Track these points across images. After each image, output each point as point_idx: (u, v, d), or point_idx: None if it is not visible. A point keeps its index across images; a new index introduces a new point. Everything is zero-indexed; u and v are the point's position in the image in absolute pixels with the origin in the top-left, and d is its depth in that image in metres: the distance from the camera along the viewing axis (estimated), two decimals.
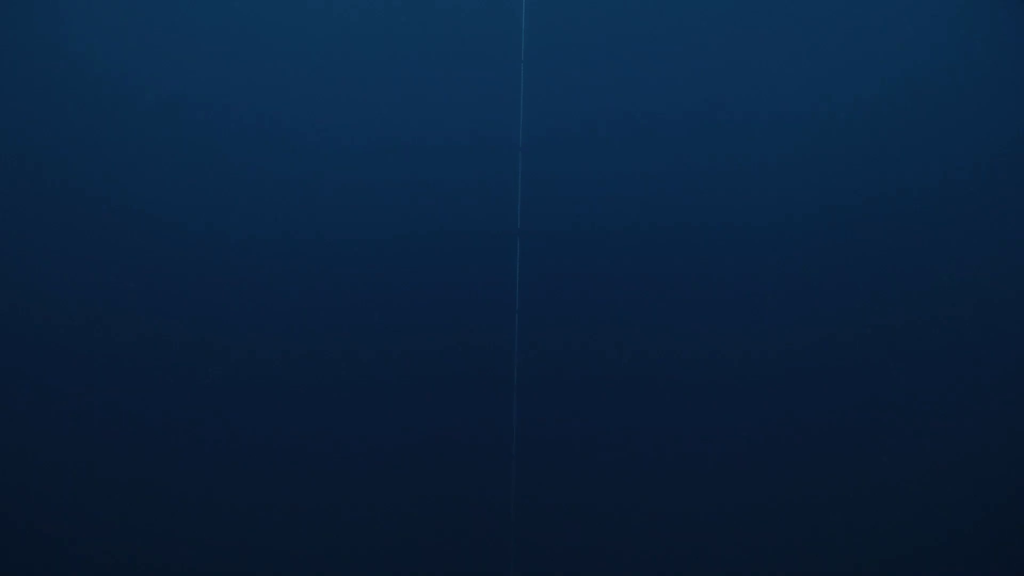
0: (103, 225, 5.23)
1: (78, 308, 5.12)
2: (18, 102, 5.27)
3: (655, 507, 4.80)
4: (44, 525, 4.71)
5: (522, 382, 4.85)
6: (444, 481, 4.81)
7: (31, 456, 4.83)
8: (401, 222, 5.29)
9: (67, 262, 5.20)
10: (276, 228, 5.32)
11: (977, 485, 4.85)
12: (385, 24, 5.47)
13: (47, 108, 5.34)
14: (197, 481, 4.84)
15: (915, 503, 4.88)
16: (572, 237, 5.16)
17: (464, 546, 4.69)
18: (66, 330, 5.13)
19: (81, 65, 5.37)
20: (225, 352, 5.03)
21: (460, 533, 4.75)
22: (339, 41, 5.49)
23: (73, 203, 5.24)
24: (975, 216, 5.29)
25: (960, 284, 5.21)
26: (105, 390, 5.03)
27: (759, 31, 5.46)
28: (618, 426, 4.94)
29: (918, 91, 5.38)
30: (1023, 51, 5.27)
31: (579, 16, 5.51)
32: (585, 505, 4.83)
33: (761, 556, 4.60)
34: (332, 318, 5.15)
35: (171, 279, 5.13)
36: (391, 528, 4.74)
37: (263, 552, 4.65)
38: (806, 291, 5.19)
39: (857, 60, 5.36)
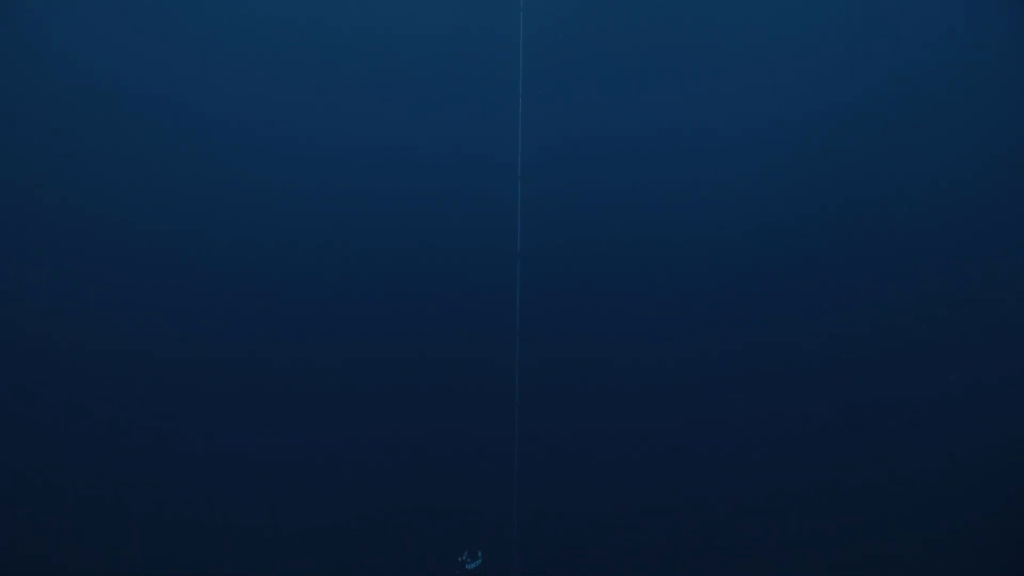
0: (97, 231, 5.17)
1: (67, 312, 5.07)
2: (10, 107, 5.20)
3: (656, 516, 4.83)
4: (40, 528, 4.67)
5: (524, 394, 4.85)
6: (446, 494, 4.81)
7: (28, 461, 4.80)
8: (407, 240, 5.27)
9: (59, 267, 5.15)
10: (281, 239, 5.28)
11: (976, 485, 4.90)
12: (390, 60, 5.43)
13: (41, 115, 5.27)
14: (196, 486, 4.83)
15: (915, 502, 4.93)
16: (570, 255, 5.17)
17: (465, 549, 4.71)
18: (57, 335, 5.09)
19: (75, 71, 5.31)
20: (224, 360, 5.01)
21: (463, 544, 4.76)
22: (345, 69, 5.44)
23: (66, 209, 5.19)
24: (970, 220, 5.32)
25: (957, 287, 5.25)
26: (100, 393, 4.99)
27: (751, 51, 5.47)
28: (618, 437, 4.96)
29: (910, 97, 5.40)
30: (1019, 55, 5.31)
31: (573, 47, 5.49)
32: (586, 514, 4.85)
33: (764, 563, 4.63)
34: (333, 332, 5.13)
35: (171, 288, 5.09)
36: (393, 540, 4.74)
37: (263, 562, 4.63)
38: (804, 301, 5.21)
39: (845, 71, 5.38)
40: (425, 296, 5.42)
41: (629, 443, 5.14)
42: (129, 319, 5.28)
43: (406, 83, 5.61)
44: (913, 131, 5.55)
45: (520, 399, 4.75)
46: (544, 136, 5.37)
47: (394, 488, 4.95)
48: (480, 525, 4.72)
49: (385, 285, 5.40)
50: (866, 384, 5.18)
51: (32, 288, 5.25)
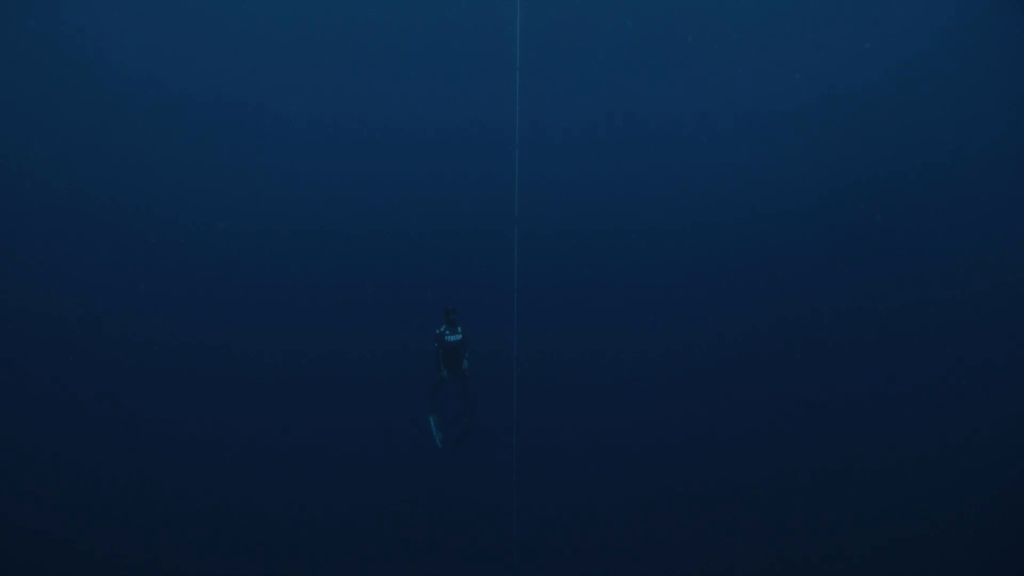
0: (99, 221, 5.28)
1: (69, 303, 5.18)
2: (17, 99, 5.32)
3: (655, 503, 4.87)
4: (40, 524, 4.79)
5: (521, 374, 4.92)
6: (445, 479, 4.86)
7: (28, 455, 4.92)
8: (404, 224, 5.32)
9: (62, 259, 5.26)
10: (276, 225, 5.36)
11: (975, 478, 4.91)
12: (388, 43, 5.53)
13: (46, 105, 5.38)
14: (195, 479, 4.92)
15: (911, 496, 4.93)
16: (568, 235, 5.21)
17: (466, 543, 4.76)
18: (63, 326, 5.20)
19: (81, 62, 5.43)
20: (223, 349, 5.10)
21: (462, 528, 4.82)
22: (343, 63, 5.50)
23: (71, 200, 5.30)
24: (968, 209, 5.32)
25: (952, 276, 5.25)
26: (101, 386, 5.09)
27: (748, 38, 5.49)
28: (618, 420, 5.00)
29: (907, 88, 5.41)
30: (1012, 51, 5.31)
31: (570, 31, 5.53)
32: (585, 497, 4.90)
33: (761, 556, 4.66)
34: (328, 320, 5.19)
35: (170, 276, 5.18)
36: (390, 529, 4.79)
37: (264, 555, 4.71)
38: (807, 285, 5.23)
39: (838, 66, 5.40)
40: (427, 276, 5.48)
41: (633, 430, 5.24)
42: (136, 308, 5.37)
43: (408, 79, 5.67)
44: (908, 125, 5.55)
45: (518, 390, 4.85)
46: (543, 122, 5.42)
47: (386, 478, 5.05)
48: (477, 510, 4.79)
49: (387, 271, 5.48)
50: (867, 374, 5.22)
51: (40, 277, 5.36)
